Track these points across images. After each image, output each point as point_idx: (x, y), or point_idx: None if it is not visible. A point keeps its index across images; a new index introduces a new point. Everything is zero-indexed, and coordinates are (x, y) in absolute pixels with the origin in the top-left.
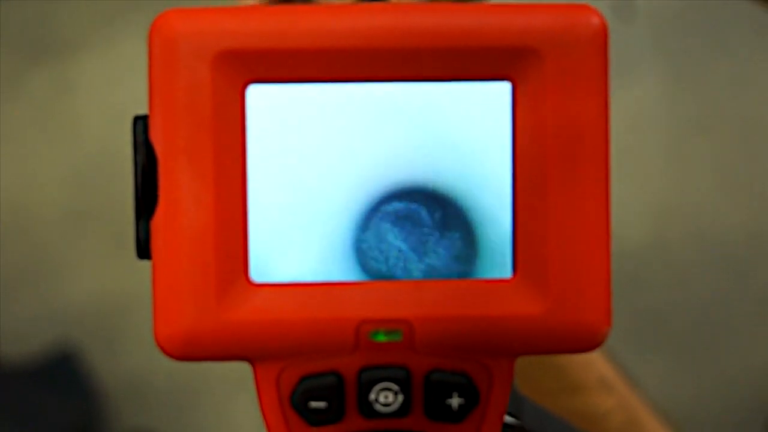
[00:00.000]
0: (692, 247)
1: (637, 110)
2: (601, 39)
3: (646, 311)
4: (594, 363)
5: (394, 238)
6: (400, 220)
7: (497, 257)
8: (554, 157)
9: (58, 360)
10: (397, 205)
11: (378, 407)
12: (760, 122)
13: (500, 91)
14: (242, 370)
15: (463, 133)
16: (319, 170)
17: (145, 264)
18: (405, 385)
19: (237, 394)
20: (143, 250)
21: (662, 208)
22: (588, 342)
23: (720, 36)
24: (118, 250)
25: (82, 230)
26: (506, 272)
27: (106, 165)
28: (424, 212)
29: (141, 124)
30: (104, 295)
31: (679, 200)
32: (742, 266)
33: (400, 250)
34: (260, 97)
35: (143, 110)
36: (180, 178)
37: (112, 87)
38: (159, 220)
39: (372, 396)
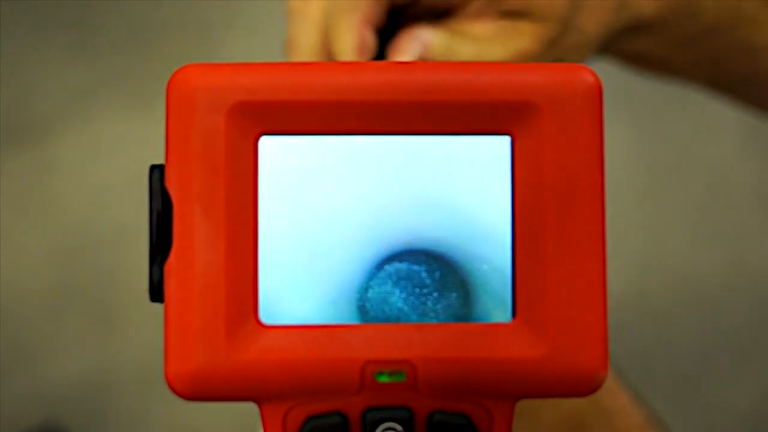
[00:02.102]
0: (671, 295)
1: (607, 159)
2: (596, 95)
3: (629, 357)
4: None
5: (398, 283)
6: (404, 264)
7: (498, 301)
8: (552, 207)
9: None
10: (400, 251)
11: None
12: (728, 168)
13: (500, 144)
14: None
15: (465, 184)
16: (327, 218)
17: (128, 341)
18: (408, 425)
19: None
20: (156, 293)
21: (639, 256)
22: (585, 386)
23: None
24: (100, 327)
25: (63, 309)
26: (506, 316)
27: (86, 243)
28: (427, 259)
29: (157, 172)
30: (87, 373)
31: (655, 249)
32: (719, 311)
33: (404, 293)
34: (272, 148)
35: (122, 187)
36: (194, 223)
37: (90, 165)
38: (172, 264)
39: None
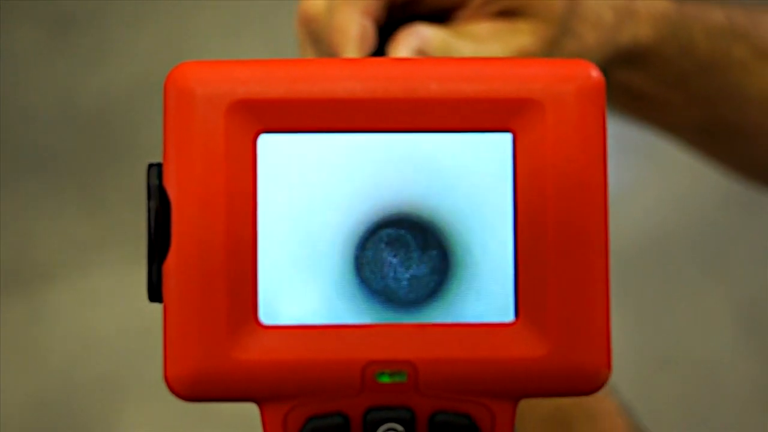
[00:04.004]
0: None
1: None
2: (599, 91)
3: None
4: None
5: (398, 285)
6: (404, 266)
7: (500, 302)
8: (554, 205)
9: None
10: (401, 251)
11: None
12: (721, 363)
13: (502, 142)
14: None
15: (465, 182)
16: (327, 216)
17: None
18: (409, 425)
19: None
20: (155, 293)
21: None
22: (588, 385)
23: (672, 278)
24: None
25: None
26: (509, 316)
27: (64, 394)
28: (428, 258)
29: (155, 170)
30: None
31: None
32: None
33: (404, 296)
34: (271, 146)
35: (109, 340)
36: (192, 222)
37: (80, 319)
38: (171, 263)
39: None
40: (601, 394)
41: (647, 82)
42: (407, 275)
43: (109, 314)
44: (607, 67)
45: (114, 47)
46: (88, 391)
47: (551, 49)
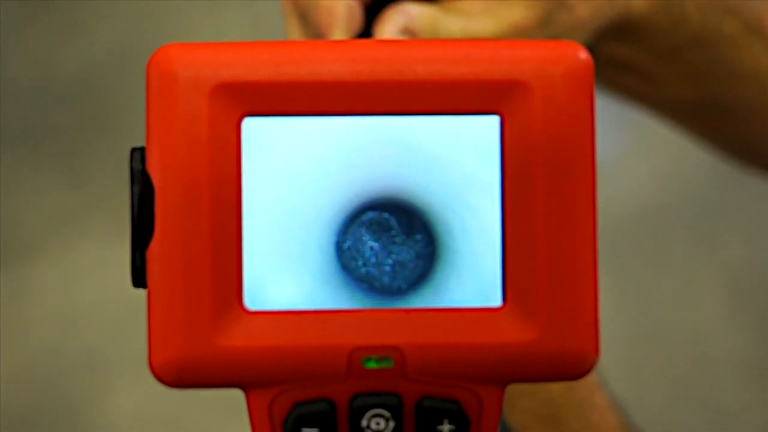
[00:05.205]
0: None
1: None
2: (587, 73)
3: None
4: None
5: (384, 269)
6: (390, 250)
7: (487, 286)
8: (542, 188)
9: None
10: (384, 236)
11: None
12: (713, 338)
13: (489, 125)
14: None
15: (452, 166)
16: (312, 201)
17: None
18: (396, 411)
19: None
20: (139, 278)
21: None
22: (576, 370)
23: (661, 251)
24: None
25: None
26: (496, 301)
27: (53, 368)
28: (414, 242)
29: (138, 154)
30: None
31: (635, 414)
32: None
33: (390, 281)
34: (255, 130)
35: (96, 312)
36: (176, 207)
37: (64, 293)
38: (155, 249)
39: (364, 422)
40: (592, 386)
41: (638, 56)
42: (390, 261)
43: (94, 288)
44: (597, 40)
45: (93, 17)
46: (74, 365)
47: (545, 22)
